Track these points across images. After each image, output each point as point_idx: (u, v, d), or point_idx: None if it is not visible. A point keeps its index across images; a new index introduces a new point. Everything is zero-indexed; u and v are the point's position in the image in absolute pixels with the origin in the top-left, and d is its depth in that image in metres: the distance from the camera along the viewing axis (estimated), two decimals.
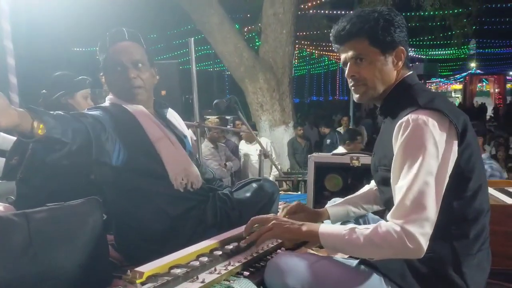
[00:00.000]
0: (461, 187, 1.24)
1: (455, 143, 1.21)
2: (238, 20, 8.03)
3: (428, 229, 1.15)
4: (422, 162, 1.16)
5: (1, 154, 2.79)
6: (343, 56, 1.38)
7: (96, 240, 1.49)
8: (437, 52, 15.06)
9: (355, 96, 1.39)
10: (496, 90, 21.53)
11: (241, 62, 6.91)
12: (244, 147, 5.40)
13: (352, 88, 1.38)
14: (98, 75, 1.80)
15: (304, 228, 1.30)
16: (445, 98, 1.39)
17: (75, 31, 8.03)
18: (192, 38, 2.53)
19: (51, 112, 1.38)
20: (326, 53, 17.00)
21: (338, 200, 1.74)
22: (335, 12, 10.07)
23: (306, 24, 9.56)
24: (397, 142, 1.22)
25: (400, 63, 1.34)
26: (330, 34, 1.40)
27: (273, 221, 1.33)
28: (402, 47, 1.33)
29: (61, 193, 1.82)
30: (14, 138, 2.93)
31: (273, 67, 6.93)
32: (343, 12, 11.10)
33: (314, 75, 20.15)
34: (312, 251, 1.58)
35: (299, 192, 3.86)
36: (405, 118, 1.21)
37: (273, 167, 4.60)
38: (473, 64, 21.77)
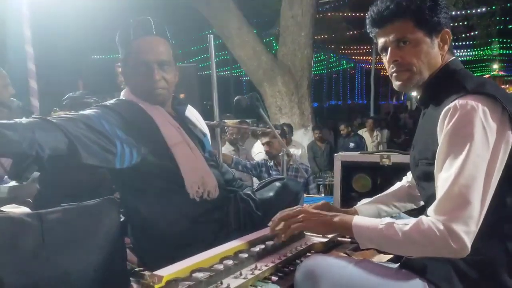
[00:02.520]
0: None
1: (509, 132, 1.09)
2: (256, 25, 7.98)
3: (474, 227, 1.03)
4: (469, 152, 1.05)
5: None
6: (382, 40, 1.26)
7: (113, 243, 1.41)
8: (459, 54, 14.74)
9: (397, 84, 1.26)
10: None
11: (260, 66, 6.87)
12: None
13: (394, 74, 1.26)
14: (115, 65, 1.71)
15: (336, 219, 1.20)
16: (495, 83, 1.27)
17: (95, 38, 8.12)
18: (212, 35, 2.44)
19: (17, 120, 1.26)
20: (345, 56, 16.84)
21: (368, 200, 1.63)
22: (353, 14, 9.95)
23: (325, 26, 9.45)
24: (443, 130, 1.11)
25: (446, 47, 1.23)
26: (367, 16, 1.29)
27: (302, 214, 1.24)
28: (447, 29, 1.22)
29: (77, 194, 1.76)
30: None
31: (291, 70, 6.86)
32: (362, 15, 10.97)
33: (332, 78, 19.96)
34: (343, 255, 1.46)
35: (323, 195, 3.74)
36: (452, 104, 1.10)
37: None
38: (496, 66, 21.25)
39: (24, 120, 1.28)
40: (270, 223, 1.30)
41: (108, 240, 1.40)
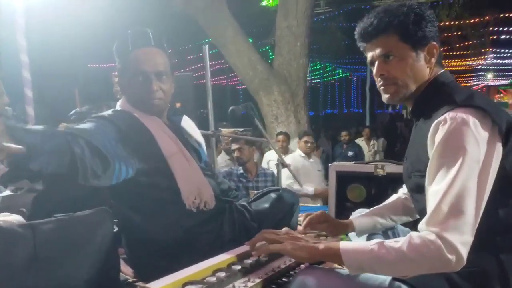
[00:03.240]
0: (507, 193, 1.12)
1: (499, 144, 1.10)
2: (252, 34, 8.02)
3: (469, 236, 1.02)
4: (461, 164, 1.04)
5: None
6: (370, 55, 1.28)
7: (106, 254, 1.40)
8: (453, 63, 14.85)
9: (385, 97, 1.28)
10: None
11: (255, 75, 6.88)
12: (263, 163, 5.30)
13: (382, 88, 1.28)
14: (111, 74, 1.70)
15: (321, 246, 1.15)
16: (484, 95, 1.28)
17: (91, 47, 8.13)
18: (207, 45, 2.46)
19: (30, 127, 1.20)
20: (341, 65, 16.94)
21: (363, 211, 1.63)
22: (349, 24, 10.02)
23: (320, 36, 9.51)
24: (434, 143, 1.11)
25: (433, 60, 1.24)
26: (355, 32, 1.31)
27: (285, 236, 1.20)
28: (434, 43, 1.23)
29: (71, 203, 1.75)
30: None
31: (287, 79, 6.88)
32: (356, 25, 11.03)
33: (328, 88, 20.06)
34: (338, 267, 1.45)
35: (318, 204, 3.73)
36: (442, 117, 1.10)
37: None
38: (490, 75, 21.41)
39: (43, 129, 1.22)
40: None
41: (101, 251, 1.39)
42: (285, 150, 5.16)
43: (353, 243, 1.17)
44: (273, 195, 1.78)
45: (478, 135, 1.07)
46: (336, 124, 13.51)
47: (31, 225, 1.32)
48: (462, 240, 1.01)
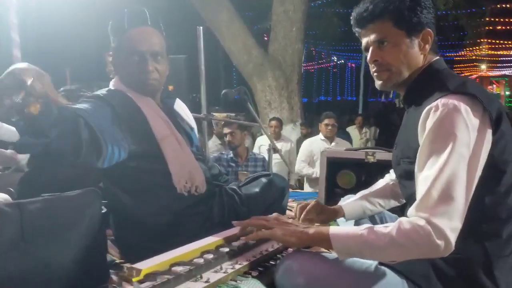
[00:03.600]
0: (494, 181, 1.13)
1: (489, 131, 1.10)
2: (247, 18, 7.93)
3: (458, 222, 1.03)
4: (452, 150, 1.05)
5: (3, 146, 2.73)
6: (364, 40, 1.27)
7: (94, 235, 1.39)
8: (448, 53, 14.86)
9: (378, 83, 1.28)
10: (507, 92, 21.22)
11: (250, 60, 6.84)
12: (255, 148, 5.31)
13: (375, 74, 1.27)
14: (104, 53, 1.66)
15: (310, 231, 1.16)
16: (477, 83, 1.28)
17: (83, 27, 7.99)
18: (201, 27, 2.42)
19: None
20: (336, 52, 16.88)
21: (351, 197, 1.63)
22: (345, 10, 9.95)
23: (316, 22, 9.44)
24: (425, 129, 1.11)
25: (427, 47, 1.23)
26: (351, 17, 1.30)
27: (275, 221, 1.21)
28: (429, 29, 1.22)
29: (58, 183, 1.73)
30: (11, 128, 2.86)
31: (282, 65, 6.85)
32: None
33: (322, 74, 19.99)
34: (325, 250, 1.46)
35: (311, 190, 3.75)
36: (434, 103, 1.10)
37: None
38: (483, 66, 21.49)
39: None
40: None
41: (89, 231, 1.38)
42: (277, 136, 5.16)
43: (342, 228, 1.18)
44: (263, 179, 1.78)
45: (469, 121, 1.07)
46: (330, 111, 13.50)
47: (18, 204, 1.30)
48: (451, 225, 1.02)
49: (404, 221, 1.06)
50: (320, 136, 4.53)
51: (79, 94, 2.20)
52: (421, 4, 1.21)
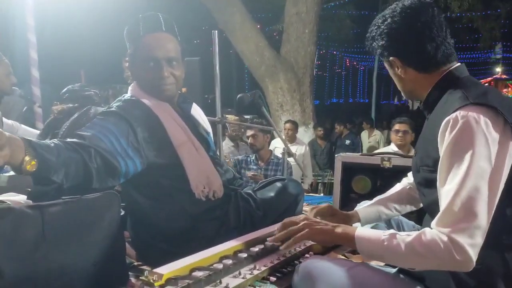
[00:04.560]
0: None
1: (511, 143, 1.08)
2: (260, 20, 7.95)
3: (479, 239, 1.02)
4: (472, 164, 1.03)
5: None
6: None
7: (113, 237, 1.41)
8: (462, 56, 14.68)
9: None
10: None
11: (262, 61, 6.84)
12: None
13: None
14: (122, 59, 1.69)
15: (338, 230, 1.20)
16: (499, 92, 1.26)
17: (98, 29, 8.08)
18: (216, 31, 2.44)
19: (47, 142, 1.27)
20: (348, 54, 16.80)
21: (367, 202, 1.63)
22: (358, 12, 9.90)
23: (329, 24, 9.41)
24: (444, 141, 1.10)
25: (402, 71, 1.24)
26: None
27: (305, 222, 1.24)
28: (392, 58, 1.24)
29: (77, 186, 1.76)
30: (32, 130, 2.92)
31: (294, 67, 6.84)
32: (366, 13, 10.91)
33: (334, 76, 19.88)
34: (342, 257, 1.46)
35: (322, 194, 3.73)
36: (453, 115, 1.08)
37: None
38: (498, 69, 21.19)
39: (56, 144, 1.28)
40: (275, 231, 1.30)
41: (109, 234, 1.40)
42: (292, 139, 5.12)
43: (368, 231, 1.19)
44: (278, 184, 1.78)
45: (489, 135, 1.05)
46: (341, 114, 13.47)
47: (40, 206, 1.33)
48: (472, 242, 1.01)
49: (427, 232, 1.06)
50: (392, 146, 3.75)
51: (83, 94, 2.23)
52: (382, 35, 1.23)
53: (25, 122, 2.93)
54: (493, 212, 1.04)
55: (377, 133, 8.00)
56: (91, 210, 1.41)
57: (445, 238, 1.02)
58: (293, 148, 4.77)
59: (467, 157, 1.04)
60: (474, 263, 1.02)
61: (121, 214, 1.54)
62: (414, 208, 1.52)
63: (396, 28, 1.20)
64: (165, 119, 1.58)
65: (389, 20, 1.21)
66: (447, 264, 1.04)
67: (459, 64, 1.25)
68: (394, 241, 1.08)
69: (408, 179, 1.54)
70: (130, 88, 1.67)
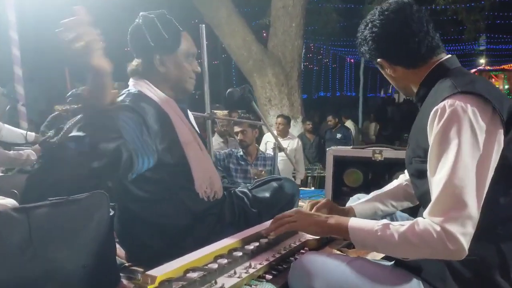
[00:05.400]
0: (508, 182, 1.11)
1: (500, 131, 1.08)
2: (246, 14, 7.88)
3: (470, 228, 1.02)
4: (460, 153, 1.04)
5: (6, 147, 2.71)
6: None
7: (103, 238, 1.37)
8: (447, 47, 14.84)
9: None
10: (506, 86, 21.22)
11: (250, 56, 6.80)
12: (261, 145, 5.26)
13: None
14: (152, 56, 1.57)
15: (331, 220, 1.21)
16: (488, 82, 1.26)
17: None
18: (204, 25, 2.39)
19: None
20: (335, 47, 16.83)
21: (362, 196, 1.62)
22: (344, 6, 9.89)
23: (315, 17, 9.38)
24: (433, 131, 1.10)
25: (391, 71, 1.27)
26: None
27: (297, 214, 1.25)
28: (379, 60, 1.27)
29: (65, 185, 1.71)
30: (16, 130, 2.85)
31: (282, 61, 6.81)
32: (352, 6, 10.92)
33: (322, 70, 19.91)
34: (338, 252, 1.45)
35: (313, 188, 3.73)
36: (441, 104, 1.09)
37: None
38: (482, 60, 21.47)
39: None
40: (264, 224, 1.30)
41: (98, 235, 1.36)
42: (284, 133, 5.09)
43: (361, 221, 1.20)
44: (274, 184, 1.77)
45: (476, 123, 1.05)
46: (329, 107, 13.53)
47: (26, 208, 1.29)
48: (464, 231, 1.01)
49: (420, 222, 1.06)
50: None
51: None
52: (367, 40, 1.26)
53: (8, 121, 2.86)
54: (482, 200, 1.05)
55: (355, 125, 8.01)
56: (79, 211, 1.37)
57: (437, 228, 1.03)
58: (285, 143, 4.75)
59: (455, 146, 1.04)
60: (467, 252, 1.02)
61: (111, 214, 1.50)
62: (411, 205, 1.51)
63: (377, 32, 1.24)
64: (173, 116, 1.56)
65: (369, 25, 1.25)
66: (440, 253, 1.05)
67: (449, 55, 1.25)
68: (388, 231, 1.09)
69: (405, 175, 1.53)
70: (132, 82, 1.61)
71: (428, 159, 1.12)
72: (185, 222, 1.53)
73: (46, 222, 1.29)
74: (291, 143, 4.96)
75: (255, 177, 3.22)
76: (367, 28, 1.26)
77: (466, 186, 1.03)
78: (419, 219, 1.08)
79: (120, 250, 1.66)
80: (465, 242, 1.01)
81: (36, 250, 1.24)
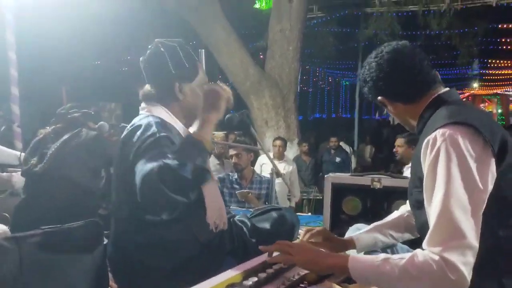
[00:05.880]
0: (506, 214, 1.11)
1: (492, 161, 1.08)
2: (243, 36, 7.97)
3: (471, 257, 1.01)
4: (453, 183, 1.04)
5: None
6: None
7: (95, 269, 1.35)
8: (441, 72, 15.05)
9: None
10: (499, 110, 21.47)
11: (247, 78, 6.85)
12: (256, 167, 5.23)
13: None
14: (172, 83, 1.57)
15: (330, 260, 1.18)
16: (484, 112, 1.29)
17: (78, 45, 7.99)
18: (203, 50, 2.40)
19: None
20: (331, 70, 17.01)
21: (361, 227, 1.60)
22: (340, 30, 10.05)
23: (312, 41, 9.51)
24: (426, 161, 1.11)
25: (391, 107, 1.31)
26: None
27: (297, 248, 1.22)
28: (380, 98, 1.31)
29: (57, 209, 1.68)
30: (10, 151, 2.81)
31: (279, 83, 6.86)
32: (348, 30, 11.10)
33: (317, 92, 20.07)
34: (338, 287, 1.41)
35: (309, 213, 3.70)
36: (432, 135, 1.11)
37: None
38: (475, 85, 21.76)
39: None
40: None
41: (92, 265, 1.34)
42: (281, 156, 5.07)
43: (360, 258, 1.18)
44: (274, 214, 1.75)
45: (467, 153, 1.06)
46: (325, 129, 13.56)
47: (17, 238, 1.26)
48: (464, 260, 1.00)
49: (419, 254, 1.05)
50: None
51: (69, 116, 2.17)
52: (367, 82, 1.32)
53: (3, 142, 2.83)
54: (479, 230, 1.04)
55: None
56: (73, 240, 1.34)
57: (436, 258, 1.01)
58: (281, 166, 4.73)
59: (449, 176, 1.05)
60: (469, 282, 1.00)
61: (104, 243, 1.47)
62: (411, 236, 1.50)
63: (374, 72, 1.29)
64: None
65: (367, 66, 1.32)
66: (442, 284, 1.02)
67: (447, 89, 1.28)
68: (388, 266, 1.07)
69: (406, 207, 1.52)
70: (147, 107, 1.58)
71: (423, 189, 1.12)
72: (191, 251, 1.50)
73: (37, 252, 1.26)
74: (287, 166, 4.95)
75: (242, 199, 3.18)
76: (365, 69, 1.32)
77: (460, 216, 1.02)
78: (418, 250, 1.07)
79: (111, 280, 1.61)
80: (466, 272, 1.00)
81: (27, 281, 1.20)
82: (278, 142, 5.13)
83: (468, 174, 1.04)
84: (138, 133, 1.43)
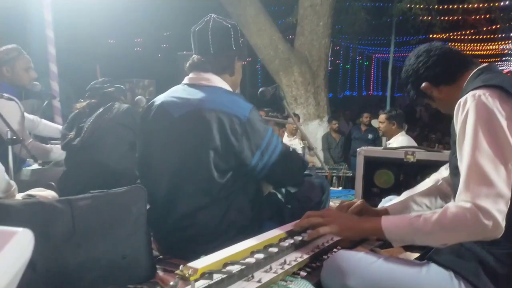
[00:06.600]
0: None
1: None
2: (273, 13, 7.87)
3: (503, 205, 1.02)
4: (483, 138, 1.07)
5: (43, 141, 2.81)
6: None
7: (140, 230, 1.42)
8: (479, 47, 14.40)
9: None
10: None
11: (276, 55, 6.79)
12: (286, 140, 5.29)
13: None
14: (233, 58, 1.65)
15: (363, 224, 1.22)
16: None
17: (113, 25, 8.11)
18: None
19: None
20: (362, 46, 16.59)
21: (394, 198, 1.61)
22: (373, 4, 9.75)
23: (343, 16, 9.29)
24: (457, 123, 1.14)
25: (436, 92, 1.33)
26: None
27: (329, 217, 1.25)
28: (424, 83, 1.33)
29: (99, 181, 1.77)
30: (53, 125, 2.95)
31: (308, 60, 6.78)
32: (381, 5, 10.74)
33: (348, 69, 19.63)
34: (370, 251, 1.45)
35: (340, 188, 3.72)
36: (463, 98, 1.15)
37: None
38: None
39: None
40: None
41: (136, 227, 1.41)
42: (295, 132, 5.15)
43: (393, 218, 1.20)
44: (306, 180, 1.77)
45: (497, 110, 1.08)
46: (355, 107, 13.35)
47: (69, 200, 1.35)
48: (497, 207, 1.01)
49: (451, 206, 1.07)
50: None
51: (103, 91, 2.26)
52: (407, 71, 1.36)
53: (43, 117, 2.97)
54: (510, 182, 1.05)
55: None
56: (119, 204, 1.42)
57: (469, 205, 1.03)
58: (297, 141, 4.79)
59: (475, 130, 1.08)
60: (503, 228, 1.02)
61: (148, 207, 1.55)
62: (444, 204, 1.49)
63: (416, 64, 1.35)
64: None
65: (406, 63, 1.39)
66: (477, 231, 1.04)
67: (486, 64, 1.30)
68: (421, 221, 1.09)
69: (439, 174, 1.52)
70: (206, 76, 1.62)
71: (456, 148, 1.15)
72: (248, 215, 1.57)
73: (88, 214, 1.34)
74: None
75: None
76: (406, 67, 1.39)
77: (491, 168, 1.04)
78: (450, 203, 1.09)
79: (154, 243, 1.71)
80: (500, 218, 1.01)
81: (79, 240, 1.29)
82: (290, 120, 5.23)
83: (497, 129, 1.07)
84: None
